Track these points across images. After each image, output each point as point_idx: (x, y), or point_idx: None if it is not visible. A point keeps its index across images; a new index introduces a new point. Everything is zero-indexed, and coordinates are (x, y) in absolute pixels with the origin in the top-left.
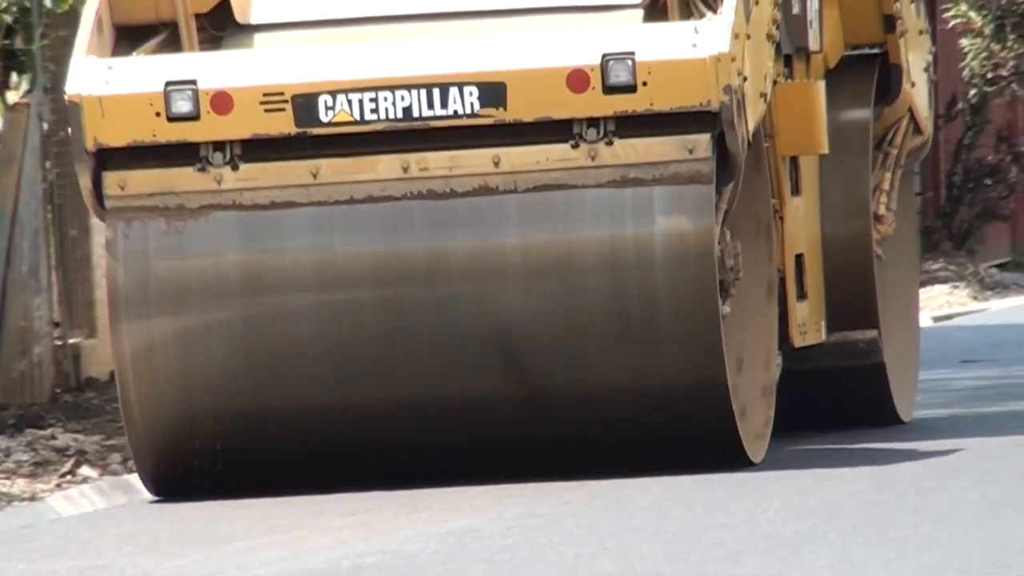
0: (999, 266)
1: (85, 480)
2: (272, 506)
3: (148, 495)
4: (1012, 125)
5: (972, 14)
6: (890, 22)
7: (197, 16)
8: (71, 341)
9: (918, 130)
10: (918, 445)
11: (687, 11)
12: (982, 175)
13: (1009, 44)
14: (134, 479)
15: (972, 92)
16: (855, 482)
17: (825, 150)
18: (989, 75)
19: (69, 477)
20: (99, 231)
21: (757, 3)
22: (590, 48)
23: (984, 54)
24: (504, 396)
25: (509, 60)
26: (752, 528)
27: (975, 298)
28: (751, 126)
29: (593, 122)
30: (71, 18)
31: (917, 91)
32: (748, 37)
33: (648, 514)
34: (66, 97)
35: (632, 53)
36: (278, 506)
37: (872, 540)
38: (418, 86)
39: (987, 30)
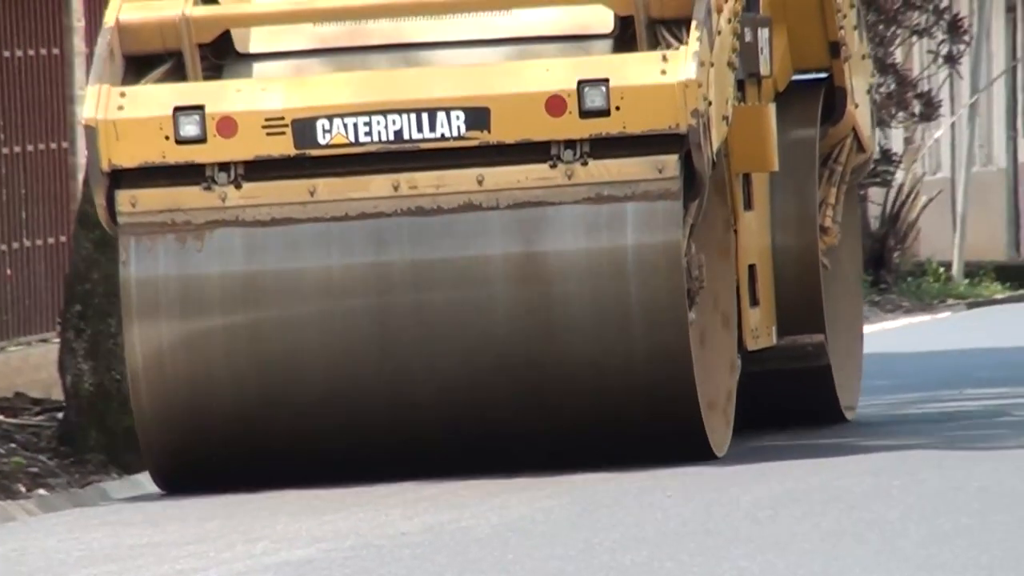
0: None
1: None
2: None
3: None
4: None
5: None
6: (835, 48)
7: (200, 46)
8: None
9: (861, 148)
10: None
11: (654, 41)
12: None
13: None
14: None
15: None
16: (682, 512)
17: (776, 167)
18: None
19: None
20: None
21: (719, 33)
22: (567, 75)
23: None
24: (486, 396)
25: (492, 86)
26: (590, 559)
27: None
28: (715, 146)
29: (570, 144)
30: None
31: (860, 112)
32: (712, 65)
33: (486, 544)
34: (83, 122)
35: (606, 80)
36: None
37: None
38: (408, 110)
39: None
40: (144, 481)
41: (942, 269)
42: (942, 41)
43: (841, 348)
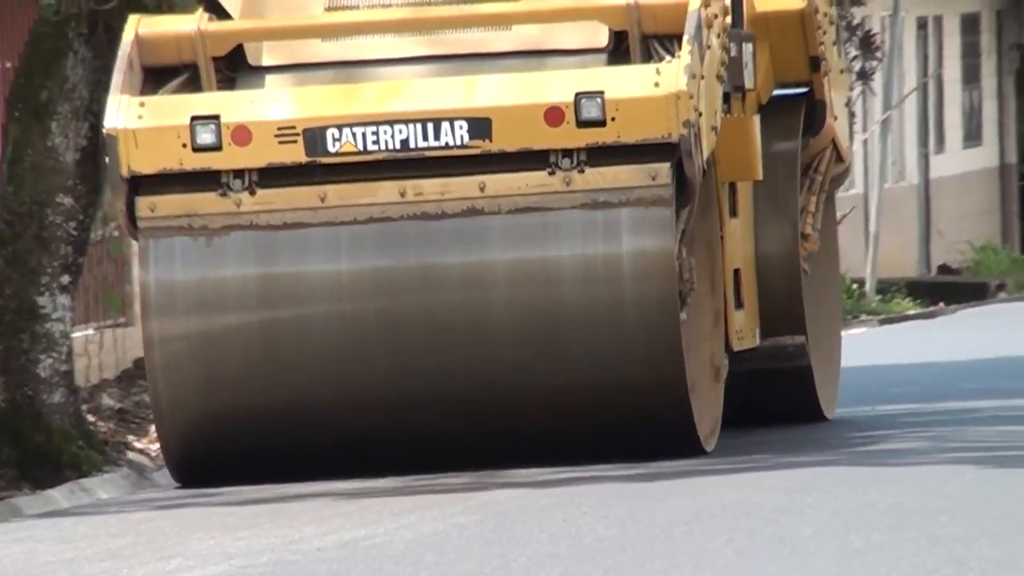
0: None
1: None
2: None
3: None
4: None
5: None
6: (816, 63)
7: (215, 59)
8: None
9: (840, 158)
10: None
11: (647, 55)
12: None
13: None
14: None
15: None
16: (605, 528)
17: (760, 176)
18: None
19: None
20: None
21: (709, 48)
22: (565, 87)
23: None
24: (488, 394)
25: (494, 98)
26: (505, 575)
27: None
28: (705, 155)
29: (567, 152)
30: None
31: (839, 124)
32: (702, 77)
33: (400, 560)
34: (104, 131)
35: (602, 92)
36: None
37: None
38: (414, 120)
39: None
40: (58, 496)
41: (855, 285)
42: (855, 57)
43: (821, 349)
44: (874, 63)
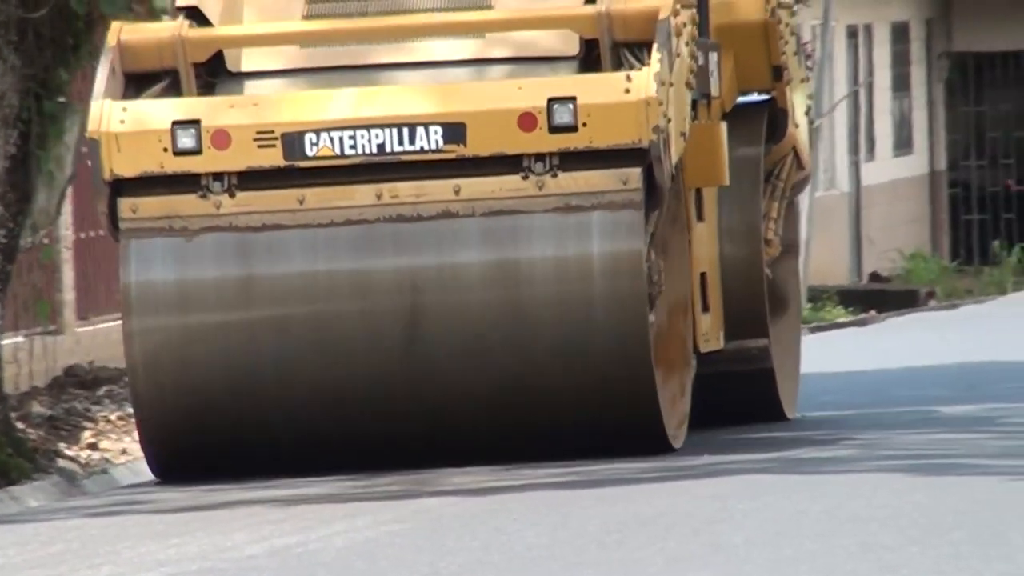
0: None
1: None
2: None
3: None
4: None
5: None
6: (778, 72)
7: (195, 65)
8: None
9: (800, 166)
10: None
11: (618, 62)
12: None
13: None
14: None
15: None
16: (536, 537)
17: (727, 182)
18: None
19: None
20: None
21: (679, 56)
22: (537, 93)
23: None
24: (463, 391)
25: (468, 103)
26: None
27: None
28: (674, 161)
29: (540, 157)
30: None
31: (800, 132)
32: (671, 85)
33: (332, 568)
34: (87, 134)
35: (574, 98)
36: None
37: None
38: (390, 125)
39: None
40: None
41: None
42: None
43: (782, 351)
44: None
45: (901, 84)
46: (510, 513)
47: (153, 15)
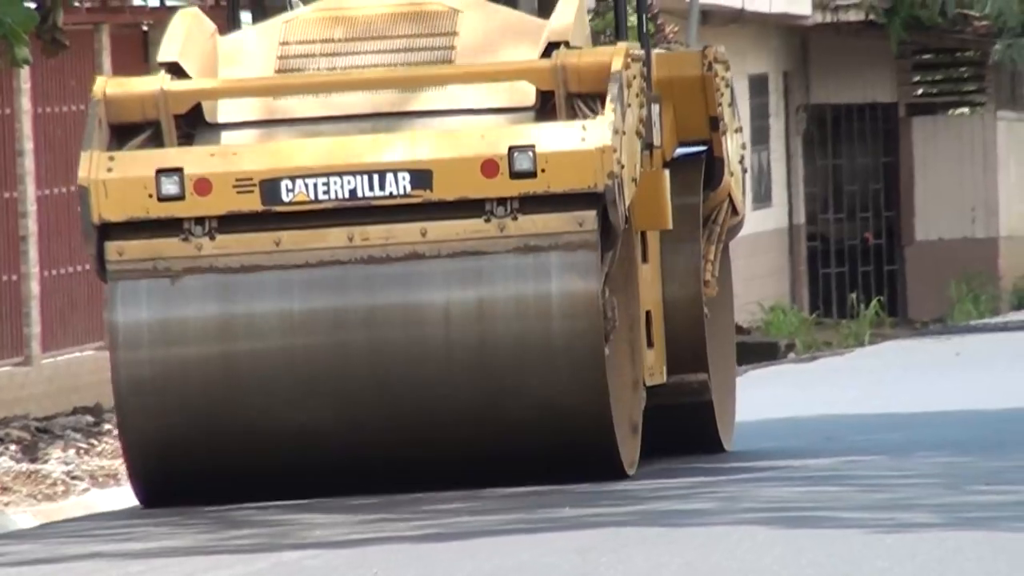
0: None
1: None
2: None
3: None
4: None
5: None
6: (715, 123)
7: (176, 117)
8: None
9: (735, 211)
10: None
11: (572, 113)
12: None
13: None
14: None
15: None
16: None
17: (671, 226)
18: None
19: None
20: None
21: (630, 106)
22: (499, 141)
23: None
24: (428, 422)
25: (434, 151)
26: None
27: None
28: (627, 204)
29: (502, 201)
30: None
31: (734, 179)
32: (624, 133)
33: None
34: (77, 182)
35: (533, 146)
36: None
37: None
38: (361, 172)
39: None
40: None
41: None
42: None
43: (719, 386)
44: None
45: (760, 137)
46: (370, 567)
47: (15, 63)
